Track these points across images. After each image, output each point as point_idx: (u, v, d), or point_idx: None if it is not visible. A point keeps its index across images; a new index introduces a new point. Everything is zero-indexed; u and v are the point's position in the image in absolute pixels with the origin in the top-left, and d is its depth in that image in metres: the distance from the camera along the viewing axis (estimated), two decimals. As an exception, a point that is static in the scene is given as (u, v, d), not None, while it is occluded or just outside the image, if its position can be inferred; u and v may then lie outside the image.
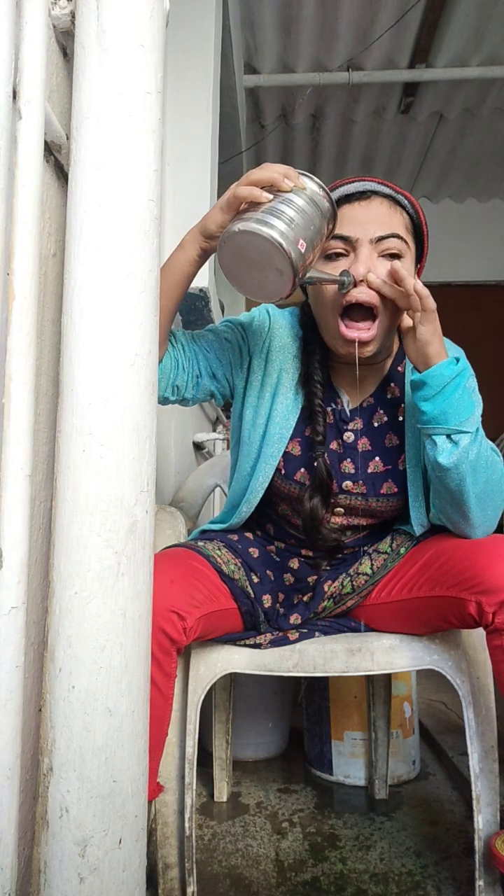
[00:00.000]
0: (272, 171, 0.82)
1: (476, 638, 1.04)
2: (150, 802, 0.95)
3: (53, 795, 0.60)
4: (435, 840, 1.27)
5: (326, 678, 1.57)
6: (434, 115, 3.44)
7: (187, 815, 0.98)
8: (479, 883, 0.97)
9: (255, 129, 3.50)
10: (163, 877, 1.00)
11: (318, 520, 1.00)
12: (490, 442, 0.95)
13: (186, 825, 0.98)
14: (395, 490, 1.04)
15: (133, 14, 0.65)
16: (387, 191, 0.96)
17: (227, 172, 2.78)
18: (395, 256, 0.94)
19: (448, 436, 0.91)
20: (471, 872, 1.03)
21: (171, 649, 0.88)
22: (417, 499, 1.04)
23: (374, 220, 0.93)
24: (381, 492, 1.04)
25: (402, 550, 1.05)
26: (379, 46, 2.83)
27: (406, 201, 0.97)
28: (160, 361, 0.97)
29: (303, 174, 0.84)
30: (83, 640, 0.61)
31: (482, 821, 0.98)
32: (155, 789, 0.94)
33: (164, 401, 1.02)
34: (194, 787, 0.99)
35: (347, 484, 1.03)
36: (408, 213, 0.97)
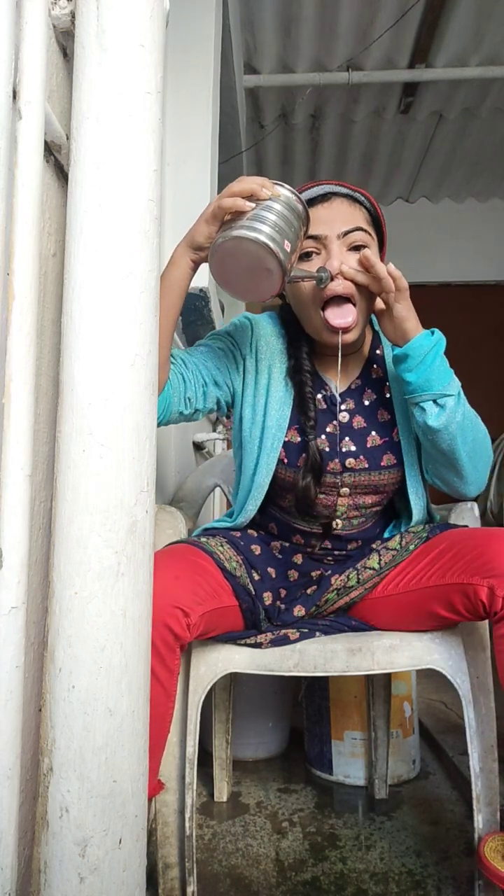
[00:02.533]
0: (250, 182, 0.88)
1: (477, 638, 1.04)
2: (150, 801, 0.95)
3: (53, 795, 0.60)
4: (435, 840, 1.27)
5: (326, 678, 1.57)
6: (434, 115, 3.44)
7: (187, 815, 0.98)
8: (479, 883, 0.97)
9: (254, 129, 3.50)
10: (163, 877, 1.00)
11: (311, 499, 1.05)
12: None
13: (186, 825, 0.98)
14: (395, 461, 1.08)
15: (133, 14, 0.65)
16: (345, 191, 1.04)
17: (227, 172, 2.78)
18: (361, 247, 1.01)
19: (434, 401, 0.98)
20: (471, 872, 1.03)
21: (175, 645, 0.88)
22: (412, 468, 1.09)
23: (337, 217, 1.01)
24: (382, 464, 1.08)
25: (412, 547, 1.07)
26: (379, 46, 2.83)
27: (363, 198, 1.05)
28: (168, 380, 1.01)
29: (276, 183, 0.91)
30: (83, 640, 0.61)
31: (482, 821, 0.98)
32: (156, 787, 0.94)
33: (178, 416, 1.06)
34: (195, 786, 0.99)
35: (350, 461, 1.06)
36: (366, 208, 1.05)
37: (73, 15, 0.68)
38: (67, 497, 0.62)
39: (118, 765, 0.61)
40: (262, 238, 0.84)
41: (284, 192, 0.90)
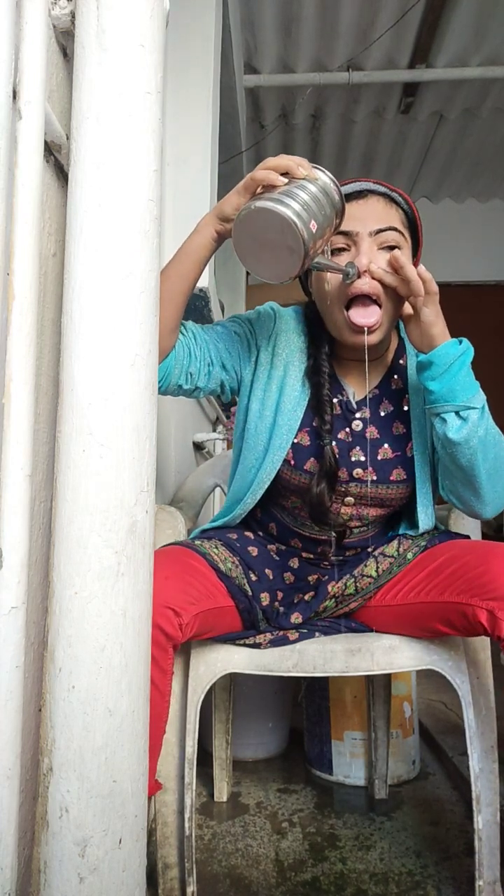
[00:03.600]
0: (288, 159, 0.86)
1: (477, 639, 1.04)
2: (149, 801, 0.95)
3: (53, 795, 0.60)
4: (435, 840, 1.27)
5: (326, 678, 1.57)
6: (434, 115, 3.44)
7: (187, 815, 0.98)
8: (479, 883, 0.97)
9: (255, 129, 3.50)
10: (163, 877, 1.00)
11: (325, 505, 1.02)
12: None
13: (186, 825, 0.98)
14: (405, 476, 1.06)
15: (133, 14, 0.65)
16: (382, 189, 1.01)
17: (227, 172, 2.78)
18: (393, 248, 0.98)
19: (457, 412, 0.94)
20: (471, 872, 1.03)
21: (168, 645, 0.88)
22: (424, 484, 1.06)
23: (371, 215, 0.98)
24: (391, 478, 1.05)
25: (409, 556, 1.06)
26: (379, 46, 2.83)
27: (400, 198, 1.02)
28: (173, 349, 0.99)
29: (316, 167, 0.88)
30: (83, 640, 0.61)
31: (482, 821, 0.98)
32: (153, 786, 0.94)
33: (177, 389, 1.03)
34: (194, 787, 0.99)
35: (358, 471, 1.04)
36: (402, 209, 1.02)
37: (73, 15, 0.68)
38: (67, 497, 0.62)
39: (118, 765, 0.61)
40: (288, 212, 0.80)
41: (323, 177, 0.87)
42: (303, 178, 0.85)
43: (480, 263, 4.31)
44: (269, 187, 0.85)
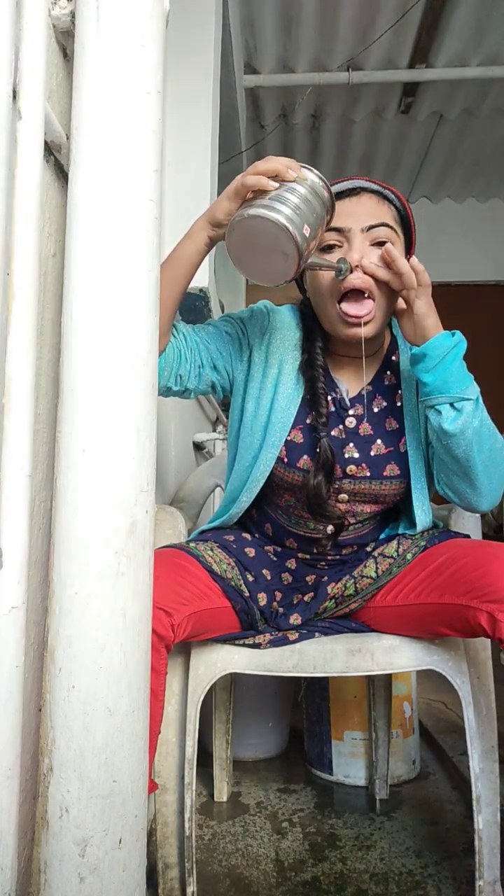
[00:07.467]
0: (277, 162, 0.87)
1: (477, 639, 1.04)
2: (148, 801, 0.95)
3: (53, 795, 0.60)
4: (435, 840, 1.27)
5: (326, 678, 1.57)
6: (434, 115, 3.44)
7: (187, 815, 0.98)
8: (479, 883, 0.97)
9: (255, 129, 3.50)
10: (163, 877, 1.00)
11: (323, 497, 1.01)
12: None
13: (186, 825, 0.98)
14: (398, 472, 1.05)
15: (133, 14, 0.65)
16: (375, 187, 1.02)
17: (227, 172, 2.77)
18: (385, 244, 0.98)
19: (451, 404, 0.95)
20: (471, 872, 1.03)
21: (160, 646, 0.87)
22: (419, 480, 1.06)
23: (364, 212, 0.99)
24: (385, 474, 1.05)
25: (409, 556, 1.05)
26: (379, 46, 2.83)
27: (393, 196, 1.03)
28: (163, 351, 0.99)
29: (304, 166, 0.89)
30: (83, 640, 0.61)
31: (482, 821, 0.98)
32: (150, 786, 0.94)
33: (167, 391, 1.03)
34: (194, 787, 0.99)
35: (351, 468, 1.04)
36: (395, 206, 1.03)
37: (73, 15, 0.68)
38: (67, 497, 0.62)
39: (118, 765, 0.61)
40: (281, 219, 0.81)
41: (311, 176, 0.88)
42: (293, 181, 0.86)
43: (480, 263, 4.31)
44: (260, 192, 0.85)
